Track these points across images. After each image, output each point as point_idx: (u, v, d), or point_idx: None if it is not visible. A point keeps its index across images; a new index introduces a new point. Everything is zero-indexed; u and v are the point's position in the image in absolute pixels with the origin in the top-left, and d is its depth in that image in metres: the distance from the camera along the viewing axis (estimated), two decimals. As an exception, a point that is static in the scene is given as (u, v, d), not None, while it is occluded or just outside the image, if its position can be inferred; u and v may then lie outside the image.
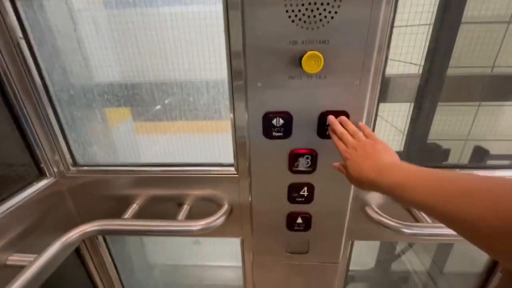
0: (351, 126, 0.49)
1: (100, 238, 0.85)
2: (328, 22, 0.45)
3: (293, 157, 0.57)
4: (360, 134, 0.46)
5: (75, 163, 0.72)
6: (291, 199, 0.63)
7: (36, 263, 0.55)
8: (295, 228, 0.67)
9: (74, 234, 0.61)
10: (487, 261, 0.87)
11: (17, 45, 0.57)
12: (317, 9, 0.44)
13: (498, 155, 0.78)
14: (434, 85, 0.70)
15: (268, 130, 0.55)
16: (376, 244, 1.10)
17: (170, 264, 1.25)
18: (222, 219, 0.68)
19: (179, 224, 0.67)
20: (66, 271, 0.81)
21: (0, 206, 0.58)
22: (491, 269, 0.86)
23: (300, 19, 0.45)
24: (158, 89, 0.66)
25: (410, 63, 0.73)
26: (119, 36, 0.63)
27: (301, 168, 0.59)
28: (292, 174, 0.60)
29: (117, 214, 0.72)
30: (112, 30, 0.63)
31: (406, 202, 0.34)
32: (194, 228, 0.66)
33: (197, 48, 0.62)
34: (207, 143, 0.74)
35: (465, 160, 0.81)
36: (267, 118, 0.54)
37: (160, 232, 0.66)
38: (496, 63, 0.72)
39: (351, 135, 0.47)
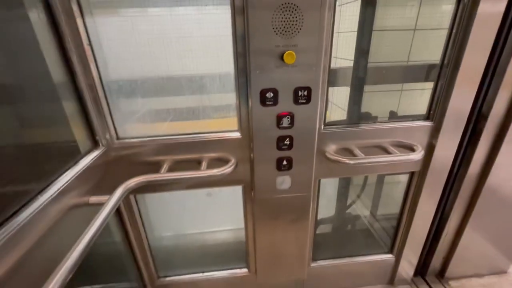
0: None
1: (133, 200, 1.09)
2: (297, 33, 0.79)
3: (279, 118, 0.91)
4: None
5: (118, 137, 0.97)
6: (279, 147, 0.96)
7: (110, 201, 0.79)
8: (282, 168, 1.00)
9: (131, 182, 0.87)
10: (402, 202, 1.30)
11: (84, 50, 0.82)
12: (290, 27, 0.78)
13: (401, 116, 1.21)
14: (361, 74, 1.10)
15: (263, 100, 0.88)
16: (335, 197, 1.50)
17: (182, 234, 1.50)
18: (231, 168, 0.99)
19: (203, 172, 0.95)
20: (110, 223, 1.04)
21: (75, 166, 0.82)
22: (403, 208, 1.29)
23: (280, 32, 0.79)
24: (184, 81, 0.95)
25: (346, 59, 1.12)
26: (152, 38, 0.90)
27: (284, 125, 0.92)
28: (279, 130, 0.93)
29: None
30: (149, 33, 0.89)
31: None
32: (213, 173, 0.95)
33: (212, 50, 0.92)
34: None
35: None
36: (263, 93, 0.86)
37: (190, 179, 0.95)
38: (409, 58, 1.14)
39: None
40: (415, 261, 1.41)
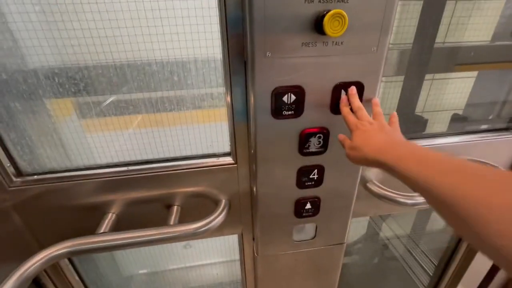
0: (358, 102, 0.46)
1: (65, 261, 0.69)
2: (351, -25, 0.38)
3: (304, 138, 0.51)
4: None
5: (20, 173, 0.55)
6: (300, 184, 0.57)
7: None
8: (304, 214, 0.62)
9: (35, 262, 0.47)
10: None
11: None
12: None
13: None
14: (423, 57, 0.70)
15: (277, 108, 0.47)
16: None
17: (150, 272, 1.12)
18: (222, 216, 0.60)
19: (173, 230, 0.56)
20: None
21: None
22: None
23: (317, -28, 0.38)
24: (130, 69, 0.52)
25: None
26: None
27: (312, 149, 0.53)
28: (302, 157, 0.54)
29: (89, 229, 0.58)
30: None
31: (404, 177, 0.32)
32: (192, 231, 0.56)
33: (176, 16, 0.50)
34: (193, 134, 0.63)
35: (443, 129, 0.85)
36: (277, 95, 0.46)
37: (152, 242, 0.55)
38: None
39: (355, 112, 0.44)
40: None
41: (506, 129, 0.75)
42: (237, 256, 0.81)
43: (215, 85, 0.55)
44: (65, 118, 0.59)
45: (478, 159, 0.73)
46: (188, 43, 0.51)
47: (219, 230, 0.68)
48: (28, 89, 0.51)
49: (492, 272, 1.05)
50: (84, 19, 0.47)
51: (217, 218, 0.59)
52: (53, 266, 0.67)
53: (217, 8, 0.45)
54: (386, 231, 1.24)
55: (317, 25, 0.40)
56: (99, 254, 0.86)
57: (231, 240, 0.85)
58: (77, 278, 0.73)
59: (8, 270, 0.45)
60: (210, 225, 0.58)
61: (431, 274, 1.08)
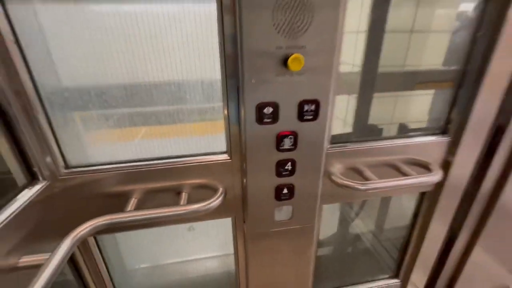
0: None
1: (92, 242, 0.86)
2: (305, 31, 0.60)
3: (280, 138, 0.72)
4: None
5: (67, 166, 0.73)
6: (278, 173, 0.77)
7: (53, 260, 0.57)
8: (282, 198, 0.82)
9: (84, 228, 0.64)
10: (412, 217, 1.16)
11: (7, 49, 0.57)
12: (296, 23, 0.59)
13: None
14: (370, 80, 0.94)
15: (260, 117, 0.68)
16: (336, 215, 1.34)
17: (153, 266, 1.27)
18: (220, 200, 0.78)
19: (183, 208, 0.74)
20: (60, 277, 0.79)
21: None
22: (414, 224, 1.15)
23: (284, 30, 0.60)
24: (156, 89, 0.73)
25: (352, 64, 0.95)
26: (113, 37, 0.68)
27: (286, 146, 0.74)
28: (278, 152, 0.74)
29: (116, 211, 0.76)
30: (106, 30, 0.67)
31: None
32: (197, 209, 0.74)
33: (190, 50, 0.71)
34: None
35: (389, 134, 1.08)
36: (259, 108, 0.67)
37: (167, 217, 0.73)
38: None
39: None
40: (422, 285, 1.29)
41: (438, 134, 0.98)
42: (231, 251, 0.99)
43: (216, 101, 0.75)
44: (100, 126, 0.77)
45: (416, 158, 0.96)
46: (198, 70, 0.71)
47: (217, 213, 0.86)
48: (80, 103, 0.70)
49: (443, 256, 1.26)
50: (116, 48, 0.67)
51: (216, 201, 0.78)
52: (83, 245, 0.83)
53: (219, 50, 0.66)
54: (359, 224, 1.44)
55: (285, 63, 0.62)
56: (118, 240, 1.02)
57: (226, 236, 1.02)
58: (101, 258, 0.89)
59: (58, 240, 0.62)
60: (210, 205, 0.76)
61: (394, 258, 1.28)
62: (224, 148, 0.80)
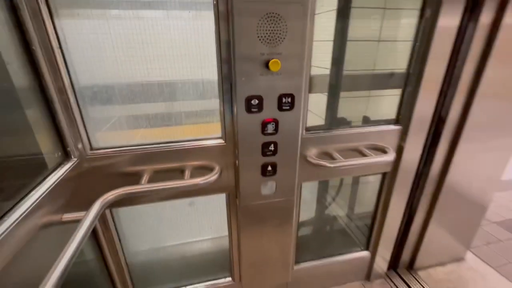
0: None
1: (109, 215, 1.02)
2: (281, 42, 0.81)
3: (264, 125, 0.92)
4: None
5: (92, 147, 0.90)
6: (263, 153, 0.97)
7: (88, 217, 0.73)
8: (267, 174, 1.01)
9: (109, 195, 0.81)
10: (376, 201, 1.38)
11: (54, 54, 0.75)
12: (274, 35, 0.80)
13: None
14: (336, 81, 1.16)
15: (248, 107, 0.88)
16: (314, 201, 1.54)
17: (165, 246, 1.42)
18: (216, 176, 0.97)
19: (186, 181, 0.92)
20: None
21: (45, 181, 0.74)
22: (377, 207, 1.38)
23: (265, 41, 0.80)
24: (164, 87, 0.91)
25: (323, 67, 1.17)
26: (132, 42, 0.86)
27: (269, 131, 0.94)
28: (263, 136, 0.94)
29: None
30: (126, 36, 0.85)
31: None
32: (198, 182, 0.93)
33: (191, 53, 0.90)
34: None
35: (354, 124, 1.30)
36: (248, 100, 0.87)
37: (173, 189, 0.91)
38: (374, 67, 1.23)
39: None
40: (388, 256, 1.51)
41: (392, 123, 1.20)
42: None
43: (214, 96, 0.95)
44: (119, 116, 0.95)
45: (375, 143, 1.18)
46: (201, 71, 0.91)
47: (215, 189, 1.05)
48: (105, 97, 0.87)
49: (405, 231, 1.48)
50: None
51: (213, 176, 0.96)
52: (102, 218, 0.99)
53: (216, 54, 0.86)
54: (334, 207, 1.65)
55: (266, 65, 0.82)
56: (132, 219, 1.17)
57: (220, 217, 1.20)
58: (114, 229, 1.05)
59: (86, 207, 0.78)
60: (209, 179, 0.94)
61: (364, 233, 1.50)
62: (219, 134, 0.99)
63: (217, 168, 1.00)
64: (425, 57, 1.03)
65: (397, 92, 1.18)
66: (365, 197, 1.55)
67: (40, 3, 0.69)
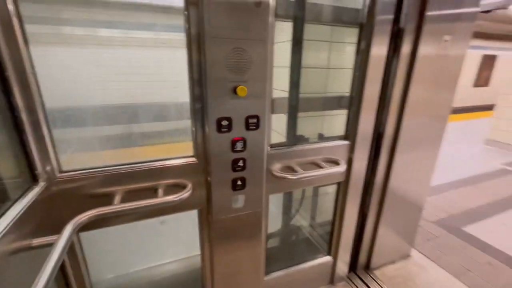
0: None
1: (76, 240, 0.98)
2: (247, 70, 0.94)
3: (234, 143, 1.02)
4: None
5: (61, 170, 0.89)
6: (233, 169, 1.06)
7: (60, 240, 0.73)
8: (237, 188, 1.10)
9: (82, 217, 0.81)
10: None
11: (26, 76, 0.76)
12: (241, 65, 0.93)
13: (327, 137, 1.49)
14: (295, 103, 1.33)
15: (219, 127, 0.97)
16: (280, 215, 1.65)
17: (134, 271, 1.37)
18: (189, 193, 1.02)
19: (159, 199, 0.96)
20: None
21: (12, 208, 0.72)
22: (335, 214, 1.54)
23: (233, 70, 0.93)
24: (139, 109, 0.96)
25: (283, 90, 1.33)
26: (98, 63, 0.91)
27: (238, 149, 1.04)
28: (233, 153, 1.04)
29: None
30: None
31: None
32: (171, 199, 0.97)
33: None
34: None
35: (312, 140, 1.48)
36: (218, 121, 0.97)
37: (147, 207, 0.93)
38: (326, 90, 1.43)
39: None
40: (348, 259, 1.66)
41: (342, 139, 1.40)
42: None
43: (185, 117, 1.02)
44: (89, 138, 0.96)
45: (330, 156, 1.35)
46: (173, 92, 0.98)
47: (187, 205, 1.09)
48: (75, 119, 0.89)
49: (360, 235, 1.66)
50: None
51: (186, 193, 1.01)
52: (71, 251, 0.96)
53: (188, 77, 0.95)
54: (298, 219, 1.78)
55: (234, 91, 0.94)
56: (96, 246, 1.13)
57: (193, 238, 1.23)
58: (81, 254, 1.01)
59: (58, 230, 0.77)
60: (182, 196, 0.99)
61: (326, 241, 1.64)
62: (191, 153, 1.06)
63: (189, 185, 1.05)
64: (363, 82, 1.26)
65: (344, 112, 1.39)
66: (324, 206, 1.71)
67: (15, 30, 0.72)
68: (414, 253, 1.94)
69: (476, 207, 2.75)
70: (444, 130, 1.56)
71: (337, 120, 1.47)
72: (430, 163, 1.64)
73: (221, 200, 1.10)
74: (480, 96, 9.44)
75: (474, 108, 8.98)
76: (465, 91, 9.39)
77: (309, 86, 1.38)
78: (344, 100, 1.39)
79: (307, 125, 1.45)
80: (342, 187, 1.47)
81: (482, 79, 9.82)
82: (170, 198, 0.97)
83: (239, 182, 1.09)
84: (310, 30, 1.40)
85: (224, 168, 1.05)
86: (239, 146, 1.03)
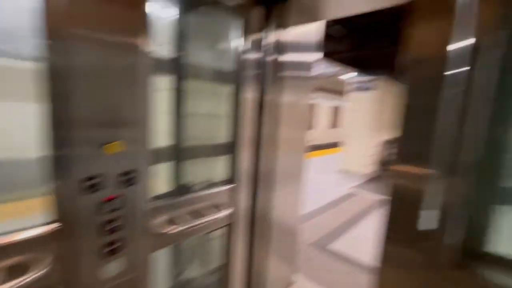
0: None
1: None
2: (122, 126, 0.90)
3: (107, 202, 0.91)
4: None
5: None
6: (109, 231, 0.93)
7: None
8: (111, 253, 0.95)
9: None
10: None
11: None
12: (114, 120, 0.88)
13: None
14: (178, 151, 1.34)
15: (85, 187, 0.86)
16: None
17: None
18: (35, 276, 0.80)
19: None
20: None
21: None
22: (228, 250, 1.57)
23: (103, 124, 0.87)
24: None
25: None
26: None
27: (112, 208, 0.93)
28: (107, 214, 0.92)
29: None
30: None
31: None
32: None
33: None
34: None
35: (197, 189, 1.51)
36: (84, 180, 0.85)
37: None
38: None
39: None
40: (243, 300, 1.67)
41: (229, 183, 1.49)
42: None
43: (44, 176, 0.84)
44: None
45: (216, 202, 1.40)
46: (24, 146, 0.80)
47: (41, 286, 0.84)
48: None
49: (251, 269, 1.73)
50: None
51: (32, 276, 0.79)
52: None
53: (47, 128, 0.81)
54: (191, 270, 1.69)
55: (106, 147, 0.87)
56: None
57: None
58: None
59: None
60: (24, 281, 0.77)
61: (222, 283, 1.61)
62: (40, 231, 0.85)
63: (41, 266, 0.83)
64: (240, 127, 1.42)
65: (229, 157, 1.51)
66: (217, 250, 1.71)
67: None
68: (299, 276, 2.18)
69: (338, 226, 3.44)
70: (303, 163, 1.92)
71: (223, 165, 1.58)
72: (298, 195, 1.97)
73: (92, 270, 0.92)
74: (334, 135, 12.63)
75: (330, 144, 11.75)
76: (324, 132, 12.99)
77: (192, 135, 1.45)
78: (226, 146, 1.52)
79: (193, 173, 1.47)
80: (231, 228, 1.53)
81: (335, 122, 13.78)
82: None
83: (116, 245, 0.96)
84: (191, 83, 1.51)
85: (95, 231, 0.90)
86: (113, 204, 0.93)
